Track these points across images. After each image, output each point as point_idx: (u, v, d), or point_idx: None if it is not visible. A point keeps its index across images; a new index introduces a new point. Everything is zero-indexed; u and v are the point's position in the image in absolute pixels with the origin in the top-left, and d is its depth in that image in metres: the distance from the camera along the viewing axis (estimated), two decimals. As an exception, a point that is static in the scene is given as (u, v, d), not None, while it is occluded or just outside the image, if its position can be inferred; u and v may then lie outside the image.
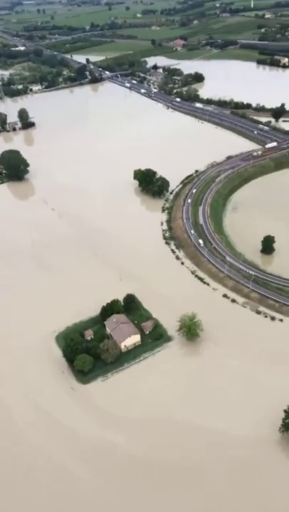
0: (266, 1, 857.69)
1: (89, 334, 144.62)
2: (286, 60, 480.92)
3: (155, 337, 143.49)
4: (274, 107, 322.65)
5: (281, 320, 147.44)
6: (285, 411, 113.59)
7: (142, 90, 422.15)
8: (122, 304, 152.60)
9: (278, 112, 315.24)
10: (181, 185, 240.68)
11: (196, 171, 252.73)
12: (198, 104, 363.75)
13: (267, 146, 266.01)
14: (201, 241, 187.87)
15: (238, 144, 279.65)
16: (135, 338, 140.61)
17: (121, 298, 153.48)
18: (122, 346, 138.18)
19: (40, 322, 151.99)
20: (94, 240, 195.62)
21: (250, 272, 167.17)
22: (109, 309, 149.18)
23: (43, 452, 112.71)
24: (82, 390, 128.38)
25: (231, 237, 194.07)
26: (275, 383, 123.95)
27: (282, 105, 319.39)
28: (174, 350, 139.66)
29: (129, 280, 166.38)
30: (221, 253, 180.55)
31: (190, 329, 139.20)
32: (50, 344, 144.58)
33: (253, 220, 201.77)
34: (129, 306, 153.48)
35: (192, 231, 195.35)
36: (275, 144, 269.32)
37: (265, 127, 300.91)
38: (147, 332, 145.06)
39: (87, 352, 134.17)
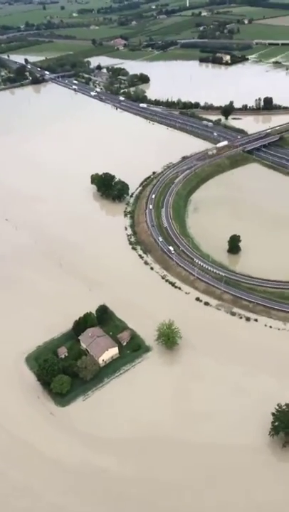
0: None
1: (62, 352, 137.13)
2: (228, 57, 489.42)
3: (133, 348, 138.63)
4: (222, 104, 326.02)
5: (256, 320, 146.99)
6: (273, 414, 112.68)
7: (92, 93, 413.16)
8: (95, 316, 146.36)
9: (227, 110, 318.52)
10: (140, 188, 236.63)
11: (154, 173, 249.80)
12: (145, 105, 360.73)
13: (218, 145, 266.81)
14: (171, 248, 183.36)
15: (192, 144, 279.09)
16: (113, 351, 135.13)
17: (93, 310, 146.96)
18: (100, 361, 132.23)
19: (5, 344, 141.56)
20: (56, 250, 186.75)
21: (221, 273, 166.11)
22: (83, 323, 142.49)
23: (27, 491, 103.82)
24: (62, 413, 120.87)
25: (196, 239, 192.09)
26: (258, 385, 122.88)
27: (231, 103, 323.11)
28: (154, 360, 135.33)
29: (98, 290, 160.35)
30: (190, 256, 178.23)
31: (169, 338, 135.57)
32: (20, 367, 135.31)
33: (216, 220, 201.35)
34: (103, 318, 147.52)
35: (158, 236, 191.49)
36: (226, 142, 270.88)
37: (209, 123, 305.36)
38: (124, 343, 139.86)
39: (64, 372, 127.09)
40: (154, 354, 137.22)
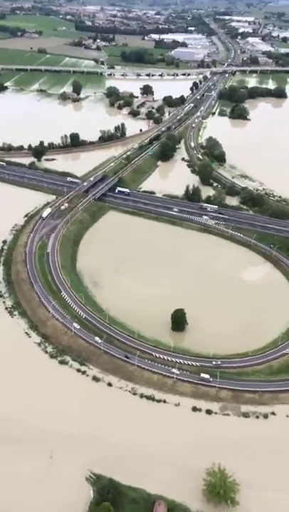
0: None
1: None
2: None
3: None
4: (22, 144, 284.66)
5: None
6: None
7: None
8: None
9: (39, 151, 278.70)
10: (2, 267, 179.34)
11: (4, 242, 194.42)
12: None
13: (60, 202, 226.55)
14: (97, 338, 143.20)
15: (23, 196, 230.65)
16: None
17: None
18: None
19: None
20: None
21: (195, 363, 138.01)
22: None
23: None
24: None
25: (121, 319, 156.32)
26: None
27: (41, 143, 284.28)
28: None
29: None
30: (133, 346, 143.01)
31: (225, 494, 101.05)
32: None
33: (124, 291, 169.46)
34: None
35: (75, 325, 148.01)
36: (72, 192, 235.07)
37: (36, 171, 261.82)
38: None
39: None
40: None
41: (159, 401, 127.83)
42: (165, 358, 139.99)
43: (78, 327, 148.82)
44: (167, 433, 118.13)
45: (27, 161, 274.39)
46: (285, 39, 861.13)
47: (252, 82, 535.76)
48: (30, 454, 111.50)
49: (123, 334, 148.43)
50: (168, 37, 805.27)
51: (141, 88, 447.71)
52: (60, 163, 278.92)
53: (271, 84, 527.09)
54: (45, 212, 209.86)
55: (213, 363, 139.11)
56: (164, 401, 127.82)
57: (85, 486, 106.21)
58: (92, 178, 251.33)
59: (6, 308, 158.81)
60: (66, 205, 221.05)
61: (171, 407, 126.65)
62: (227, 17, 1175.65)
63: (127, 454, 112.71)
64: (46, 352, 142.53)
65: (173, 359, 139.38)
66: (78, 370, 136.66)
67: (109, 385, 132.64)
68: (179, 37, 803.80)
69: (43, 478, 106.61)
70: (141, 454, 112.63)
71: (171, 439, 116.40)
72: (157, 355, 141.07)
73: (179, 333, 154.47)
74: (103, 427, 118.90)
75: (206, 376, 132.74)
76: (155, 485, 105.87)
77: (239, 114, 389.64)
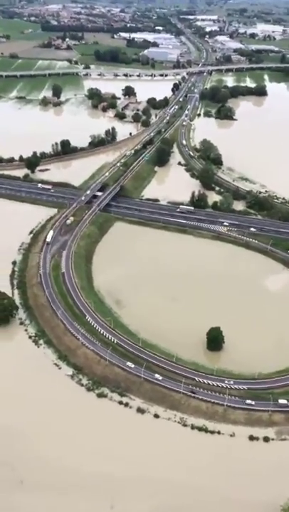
0: None
1: None
2: None
3: None
4: (22, 155, 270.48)
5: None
6: None
7: None
8: None
9: (32, 162, 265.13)
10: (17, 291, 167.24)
11: (14, 263, 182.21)
12: None
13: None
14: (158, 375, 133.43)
15: (28, 213, 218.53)
16: None
17: None
18: None
19: None
20: None
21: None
22: None
23: None
24: None
25: (152, 340, 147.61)
26: None
27: (35, 154, 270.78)
28: None
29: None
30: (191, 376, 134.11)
31: None
32: None
33: (149, 308, 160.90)
34: None
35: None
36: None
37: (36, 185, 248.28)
38: None
39: None
40: None
41: (212, 432, 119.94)
42: (210, 383, 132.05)
43: (112, 354, 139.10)
44: (233, 468, 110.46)
45: (19, 173, 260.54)
46: (253, 35, 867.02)
47: (229, 81, 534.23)
48: (89, 506, 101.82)
49: (161, 358, 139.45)
50: (137, 36, 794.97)
51: (123, 89, 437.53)
52: (54, 173, 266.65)
53: (249, 82, 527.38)
54: (49, 236, 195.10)
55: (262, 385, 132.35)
56: (219, 432, 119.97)
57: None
58: (92, 187, 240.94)
59: (30, 337, 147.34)
60: (72, 218, 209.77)
61: (227, 439, 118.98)
62: (191, 16, 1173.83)
63: (193, 495, 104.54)
64: (82, 385, 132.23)
65: (218, 384, 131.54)
66: (120, 403, 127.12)
67: (156, 416, 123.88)
68: (149, 36, 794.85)
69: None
70: (210, 494, 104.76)
71: (236, 474, 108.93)
72: (200, 379, 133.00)
73: (215, 353, 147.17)
74: (160, 466, 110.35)
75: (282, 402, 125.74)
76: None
77: (225, 115, 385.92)
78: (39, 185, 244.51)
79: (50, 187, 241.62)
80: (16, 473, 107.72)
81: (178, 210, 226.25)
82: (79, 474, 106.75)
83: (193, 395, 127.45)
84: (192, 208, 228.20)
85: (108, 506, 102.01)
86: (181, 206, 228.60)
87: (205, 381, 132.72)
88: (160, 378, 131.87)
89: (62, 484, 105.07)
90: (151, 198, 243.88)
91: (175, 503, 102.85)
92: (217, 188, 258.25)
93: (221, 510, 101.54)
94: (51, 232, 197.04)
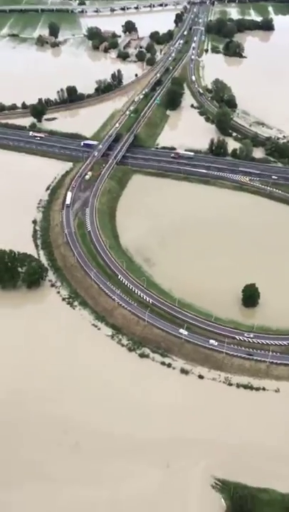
0: None
1: None
2: None
3: None
4: (25, 102, 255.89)
5: None
6: None
7: None
8: None
9: (39, 110, 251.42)
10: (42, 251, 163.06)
11: (34, 222, 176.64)
12: None
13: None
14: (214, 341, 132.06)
15: (42, 167, 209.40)
16: None
17: None
18: None
19: None
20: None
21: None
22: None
23: None
24: None
25: (186, 299, 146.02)
26: None
27: (40, 100, 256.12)
28: None
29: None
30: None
31: None
32: None
33: (180, 266, 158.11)
34: None
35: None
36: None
37: (39, 134, 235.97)
38: None
39: None
40: None
41: (258, 389, 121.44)
42: (251, 340, 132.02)
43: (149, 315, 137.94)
44: (280, 424, 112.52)
45: (24, 121, 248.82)
46: None
47: (233, 12, 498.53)
48: (146, 466, 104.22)
49: (199, 319, 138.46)
50: None
51: (122, 25, 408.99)
52: (62, 122, 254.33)
53: (254, 15, 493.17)
54: (68, 198, 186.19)
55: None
56: (264, 388, 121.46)
57: (212, 495, 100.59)
58: (106, 138, 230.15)
59: (64, 299, 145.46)
60: (90, 173, 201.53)
61: (272, 395, 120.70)
62: None
63: (244, 453, 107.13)
64: (122, 345, 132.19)
65: (261, 341, 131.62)
66: (163, 363, 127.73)
67: (200, 377, 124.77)
68: None
69: (167, 491, 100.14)
70: (260, 451, 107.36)
71: (285, 430, 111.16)
72: (241, 338, 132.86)
73: (250, 309, 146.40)
74: (210, 426, 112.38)
75: None
76: (286, 483, 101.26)
77: (234, 51, 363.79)
78: (30, 133, 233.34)
79: (43, 135, 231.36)
80: (70, 437, 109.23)
81: (172, 156, 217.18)
82: (134, 438, 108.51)
83: (250, 356, 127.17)
84: (192, 153, 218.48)
85: (164, 465, 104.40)
86: (180, 152, 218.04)
87: (245, 339, 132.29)
88: (216, 344, 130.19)
89: (116, 446, 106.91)
90: (167, 146, 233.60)
91: (229, 461, 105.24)
92: (234, 134, 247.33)
93: (278, 467, 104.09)
94: (69, 194, 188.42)
